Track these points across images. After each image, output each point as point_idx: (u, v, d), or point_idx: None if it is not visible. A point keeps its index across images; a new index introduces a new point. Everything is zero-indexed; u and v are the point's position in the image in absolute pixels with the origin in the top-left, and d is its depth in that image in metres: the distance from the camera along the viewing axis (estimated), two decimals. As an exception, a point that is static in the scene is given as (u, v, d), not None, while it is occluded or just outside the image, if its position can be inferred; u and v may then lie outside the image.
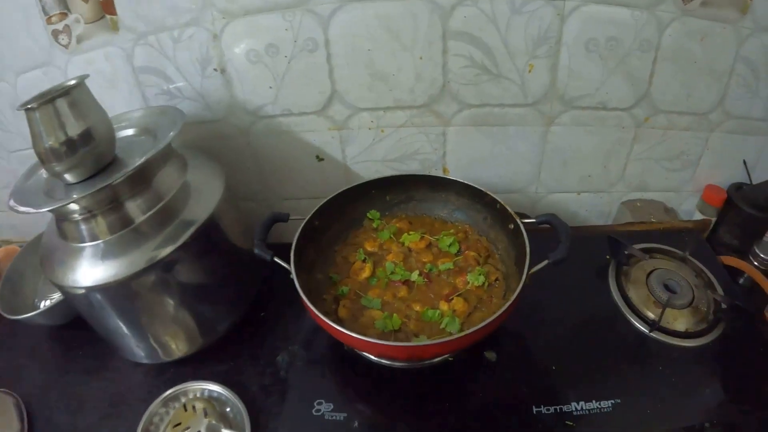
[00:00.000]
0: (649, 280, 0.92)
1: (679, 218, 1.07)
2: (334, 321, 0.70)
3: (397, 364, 0.82)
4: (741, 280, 1.02)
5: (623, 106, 0.95)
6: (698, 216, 1.06)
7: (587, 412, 0.76)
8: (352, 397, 0.80)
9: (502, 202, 0.84)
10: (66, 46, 0.91)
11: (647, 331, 0.86)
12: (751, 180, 1.04)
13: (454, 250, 0.86)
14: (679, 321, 0.87)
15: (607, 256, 0.96)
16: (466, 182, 0.88)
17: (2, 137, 1.06)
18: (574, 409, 0.76)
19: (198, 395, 0.83)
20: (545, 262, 0.75)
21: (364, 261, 0.86)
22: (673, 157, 1.01)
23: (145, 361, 0.87)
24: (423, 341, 0.73)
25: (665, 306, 0.86)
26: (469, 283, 0.81)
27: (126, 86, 0.94)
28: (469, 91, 0.92)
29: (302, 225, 0.82)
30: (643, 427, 0.75)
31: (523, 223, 0.81)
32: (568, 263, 0.93)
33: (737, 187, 1.06)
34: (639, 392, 0.78)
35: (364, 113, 0.95)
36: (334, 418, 0.77)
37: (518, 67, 0.89)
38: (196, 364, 0.88)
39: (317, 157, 1.01)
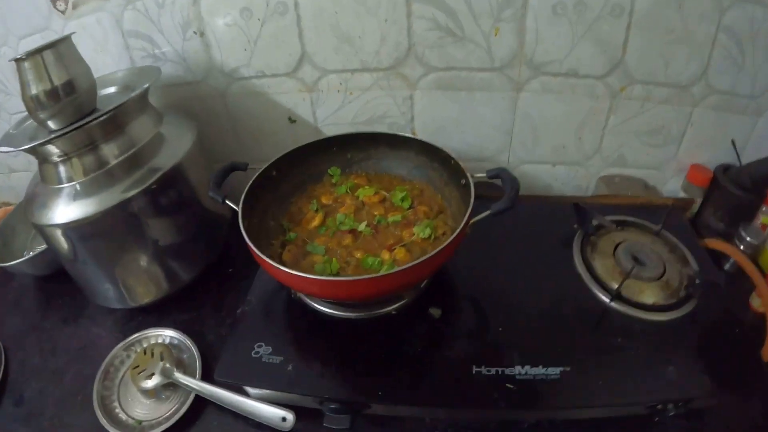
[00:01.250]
0: (616, 251, 0.84)
1: (661, 196, 0.99)
2: (273, 261, 0.67)
3: (340, 313, 0.77)
4: (726, 266, 0.92)
5: (595, 74, 0.88)
6: (682, 196, 0.98)
7: (531, 377, 0.69)
8: (291, 341, 0.76)
9: (456, 159, 0.80)
10: (63, 12, 0.93)
11: (607, 300, 0.78)
12: (740, 161, 0.95)
13: (406, 204, 0.81)
14: (646, 294, 0.79)
15: (575, 226, 0.89)
16: (424, 140, 0.84)
17: (4, 100, 1.09)
18: (517, 372, 0.69)
19: (159, 341, 0.84)
20: (487, 212, 0.70)
21: (316, 211, 0.83)
22: (653, 131, 0.94)
23: (115, 305, 0.89)
24: (348, 277, 0.69)
25: (627, 275, 0.79)
26: (414, 234, 0.77)
27: (116, 50, 0.96)
28: (434, 54, 0.88)
29: (258, 173, 0.81)
30: (592, 399, 0.67)
31: (474, 177, 0.76)
32: (534, 231, 0.88)
33: (725, 168, 0.96)
34: (592, 362, 0.70)
35: (332, 75, 0.92)
36: (270, 360, 0.73)
37: (483, 30, 0.85)
38: (161, 313, 0.90)
39: (289, 118, 0.99)
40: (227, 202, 0.76)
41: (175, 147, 0.85)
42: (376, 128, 0.96)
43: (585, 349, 0.73)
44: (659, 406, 0.68)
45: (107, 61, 0.95)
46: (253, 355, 0.74)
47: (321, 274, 0.71)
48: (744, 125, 0.92)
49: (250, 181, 0.79)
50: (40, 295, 1.01)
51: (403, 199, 0.80)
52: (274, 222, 0.82)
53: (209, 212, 0.92)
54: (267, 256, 0.67)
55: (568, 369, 0.70)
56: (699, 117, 0.92)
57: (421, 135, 0.95)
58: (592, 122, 0.93)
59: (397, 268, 0.62)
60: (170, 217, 0.85)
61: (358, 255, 0.74)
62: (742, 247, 0.91)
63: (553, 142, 0.95)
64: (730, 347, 0.73)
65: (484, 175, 0.76)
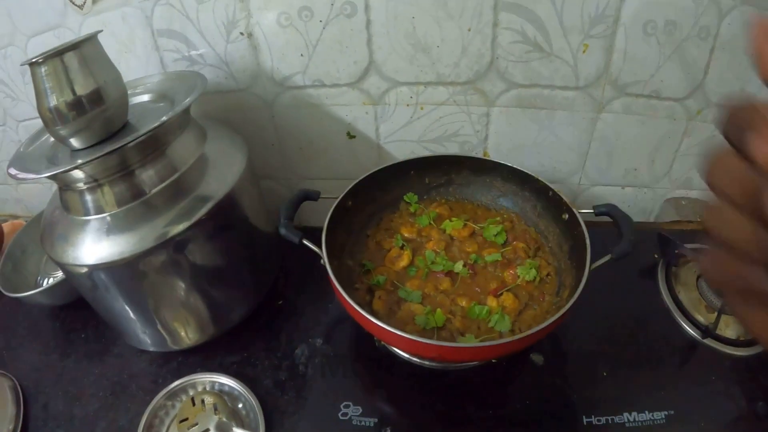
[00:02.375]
0: (699, 282, 0.80)
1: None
2: (368, 314, 0.56)
3: (432, 364, 0.68)
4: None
5: (677, 96, 0.81)
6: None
7: (640, 424, 0.63)
8: (384, 399, 0.65)
9: (556, 189, 0.71)
10: (80, 7, 0.76)
11: (700, 338, 0.73)
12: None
13: (501, 240, 0.72)
14: (730, 328, 0.75)
15: (655, 255, 0.84)
16: (513, 166, 0.75)
17: (10, 105, 0.89)
18: (626, 420, 0.64)
19: (207, 388, 0.70)
20: (608, 257, 0.62)
21: (401, 248, 0.71)
22: (720, 153, 0.90)
23: (151, 348, 0.74)
24: (473, 342, 0.59)
25: (720, 311, 0.74)
26: (519, 276, 0.67)
27: (144, 51, 0.78)
28: (517, 70, 0.77)
29: (335, 204, 0.68)
30: None
31: (579, 213, 0.68)
32: (616, 262, 0.81)
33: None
34: (692, 404, 0.65)
35: (403, 87, 0.79)
36: (363, 423, 0.62)
37: (572, 46, 0.75)
38: (206, 354, 0.74)
39: (348, 134, 0.85)
40: (306, 242, 0.63)
41: (225, 170, 0.68)
42: (446, 148, 0.84)
43: (684, 389, 0.68)
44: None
45: (133, 63, 0.78)
46: (341, 417, 0.63)
47: (424, 327, 0.61)
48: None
49: (329, 215, 0.66)
50: (58, 326, 0.84)
51: (497, 234, 0.71)
52: (353, 261, 0.70)
53: (261, 240, 0.77)
54: (356, 304, 0.56)
55: (672, 413, 0.65)
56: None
57: (494, 155, 0.85)
58: (667, 145, 0.86)
59: (530, 331, 0.53)
60: (219, 250, 0.69)
61: (463, 303, 0.64)
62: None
63: (627, 164, 0.88)
64: None
65: (591, 211, 0.67)
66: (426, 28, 0.74)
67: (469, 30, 0.74)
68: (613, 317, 0.75)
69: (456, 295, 0.65)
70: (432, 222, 0.73)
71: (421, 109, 0.81)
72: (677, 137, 0.85)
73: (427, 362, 0.67)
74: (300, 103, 0.81)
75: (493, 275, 0.67)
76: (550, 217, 0.71)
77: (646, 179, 0.89)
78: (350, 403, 0.64)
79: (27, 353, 0.80)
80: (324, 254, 0.60)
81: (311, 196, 0.68)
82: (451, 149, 0.84)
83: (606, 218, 0.68)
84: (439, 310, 0.62)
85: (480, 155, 0.79)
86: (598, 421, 0.63)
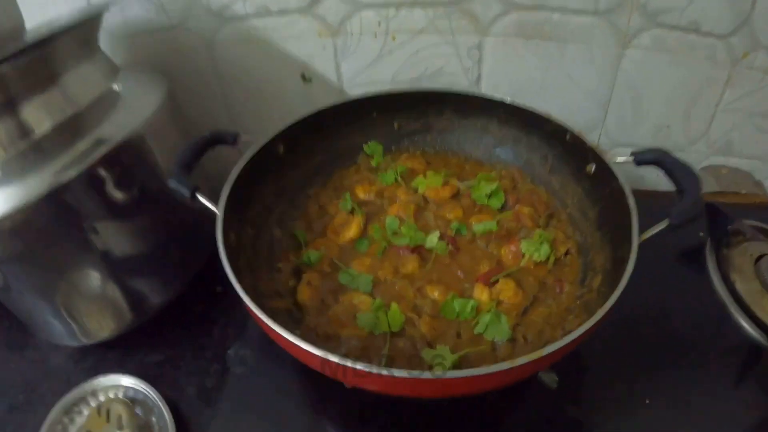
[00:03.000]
0: (758, 268, 0.48)
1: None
2: (286, 309, 0.25)
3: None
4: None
5: (719, 31, 0.55)
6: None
7: None
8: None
9: (577, 132, 0.38)
10: None
11: (765, 342, 0.42)
12: None
13: (497, 203, 0.42)
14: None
15: (701, 233, 0.50)
16: (514, 103, 0.43)
17: None
18: None
19: (120, 395, 0.48)
20: (664, 222, 0.32)
21: (351, 212, 0.40)
22: (769, 112, 0.57)
23: (63, 342, 0.53)
24: (444, 373, 0.28)
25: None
26: (523, 255, 0.35)
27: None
28: (515, -13, 0.47)
29: (256, 149, 0.37)
30: None
31: (614, 161, 0.35)
32: (652, 242, 0.47)
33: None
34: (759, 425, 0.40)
35: (368, 11, 0.54)
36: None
37: (592, -48, 0.45)
38: (125, 351, 0.53)
39: (302, 75, 0.59)
40: (198, 196, 0.32)
41: (134, 110, 0.47)
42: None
43: (752, 409, 0.40)
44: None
45: (59, 2, 0.53)
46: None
47: (371, 332, 0.30)
48: None
49: (242, 162, 0.35)
50: None
51: (491, 195, 0.39)
52: (282, 230, 0.40)
53: (188, 208, 0.48)
54: (270, 296, 0.29)
55: None
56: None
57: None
58: (706, 96, 0.60)
59: (549, 348, 0.24)
60: (129, 214, 0.48)
61: (436, 294, 0.32)
62: None
63: (658, 120, 0.61)
64: None
65: (630, 158, 0.35)
66: None
67: None
68: (653, 318, 0.47)
69: (426, 282, 0.34)
70: (399, 179, 0.42)
71: (393, 39, 0.56)
72: (719, 86, 0.61)
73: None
74: (243, 38, 0.58)
75: (485, 253, 0.38)
76: (567, 172, 0.41)
77: (680, 140, 0.62)
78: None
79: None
80: (219, 213, 0.28)
81: (224, 138, 0.39)
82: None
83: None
84: (395, 305, 0.33)
85: (494, 95, 0.47)
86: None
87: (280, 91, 0.61)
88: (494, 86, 0.57)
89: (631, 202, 0.37)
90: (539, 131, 0.45)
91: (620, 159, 0.41)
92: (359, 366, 0.27)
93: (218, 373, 0.49)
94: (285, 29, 0.56)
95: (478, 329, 0.35)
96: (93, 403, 0.49)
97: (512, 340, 0.36)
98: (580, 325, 0.29)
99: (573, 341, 0.29)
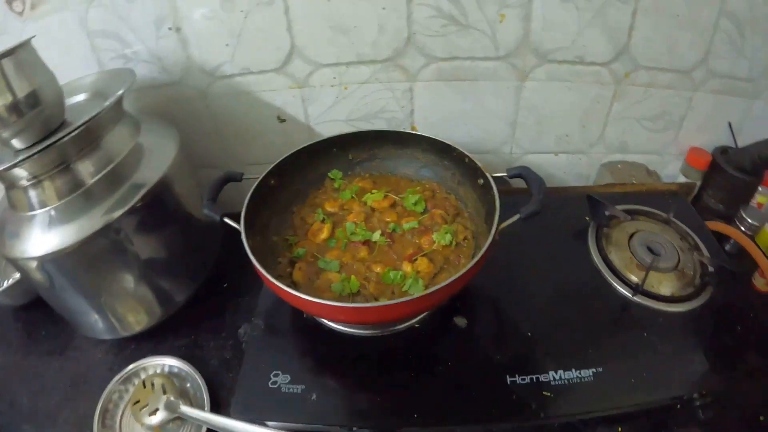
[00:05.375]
0: (631, 242, 0.82)
1: (662, 181, 0.97)
2: (287, 285, 0.59)
3: (359, 332, 0.71)
4: (727, 247, 0.92)
5: (602, 60, 0.85)
6: (682, 180, 0.96)
7: (566, 381, 0.66)
8: (311, 368, 0.69)
9: (471, 156, 0.74)
10: (20, 13, 0.81)
11: (630, 295, 0.75)
12: (736, 143, 0.94)
13: (420, 208, 0.75)
14: (664, 285, 0.77)
15: (587, 218, 0.86)
16: (432, 137, 0.78)
17: None
18: (552, 378, 0.66)
19: (158, 371, 0.76)
20: (516, 216, 0.65)
21: (322, 221, 0.75)
22: (655, 116, 0.91)
23: (105, 336, 0.80)
24: (378, 302, 0.62)
25: (649, 268, 0.76)
26: (434, 242, 0.70)
27: (82, 52, 0.84)
28: (436, 44, 0.81)
29: (256, 183, 0.72)
30: (627, 398, 0.65)
31: (493, 177, 0.70)
32: (545, 225, 0.82)
33: (722, 150, 0.95)
34: (622, 360, 0.68)
35: (326, 69, 0.84)
36: (291, 390, 0.66)
37: (488, 16, 0.79)
38: (157, 339, 0.81)
39: (279, 118, 0.90)
40: (226, 220, 0.66)
41: (158, 158, 0.75)
42: (373, 124, 0.89)
43: (613, 347, 0.70)
44: (685, 397, 0.66)
45: (72, 64, 0.83)
46: (271, 386, 0.67)
47: (340, 294, 0.64)
48: (741, 108, 0.92)
49: (249, 194, 0.70)
50: (19, 326, 0.89)
51: (416, 203, 0.74)
52: (278, 237, 0.74)
53: (199, 225, 0.83)
54: (276, 278, 0.60)
55: (600, 370, 0.67)
56: (699, 101, 0.90)
57: (422, 129, 0.89)
58: (597, 110, 0.90)
59: (433, 288, 0.56)
60: (158, 235, 0.76)
61: (378, 269, 0.67)
62: (743, 228, 0.90)
63: (558, 131, 0.91)
64: (746, 332, 0.73)
65: (504, 174, 0.70)
66: (342, 11, 0.79)
67: (384, 9, 0.77)
68: (542, 280, 0.78)
69: (372, 262, 0.68)
70: (354, 196, 0.77)
71: (345, 89, 0.86)
72: (607, 101, 0.89)
73: (351, 330, 0.70)
74: (231, 91, 0.87)
75: (410, 242, 0.71)
76: (468, 183, 0.74)
77: (579, 145, 0.92)
78: (279, 372, 0.68)
79: (-9, 354, 0.85)
80: (242, 230, 0.63)
81: (234, 177, 0.72)
82: (379, 125, 0.88)
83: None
84: (353, 276, 0.66)
85: (408, 129, 0.82)
86: (523, 380, 0.66)
87: (261, 129, 0.92)
88: (425, 117, 0.88)
89: (497, 202, 0.70)
90: (449, 156, 0.76)
91: (497, 174, 0.74)
92: (333, 303, 0.58)
93: (233, 347, 0.78)
94: (263, 84, 0.86)
95: (404, 288, 0.64)
96: (137, 381, 0.74)
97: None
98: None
99: (448, 285, 0.57)
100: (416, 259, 0.69)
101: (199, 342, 0.81)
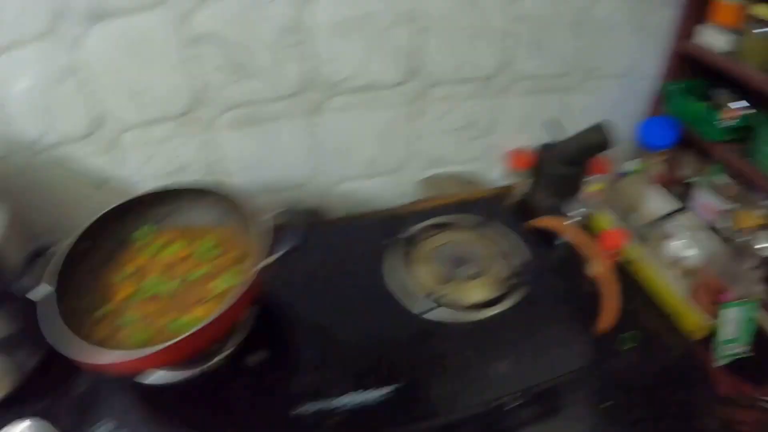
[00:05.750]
0: (435, 255, 0.88)
1: (485, 187, 1.02)
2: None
3: (152, 382, 0.76)
4: (558, 241, 0.97)
5: (393, 82, 0.90)
6: (510, 183, 1.02)
7: (361, 401, 0.71)
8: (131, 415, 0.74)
9: (234, 200, 0.80)
10: None
11: (431, 309, 0.81)
12: (558, 138, 0.99)
13: (216, 253, 0.82)
14: (473, 292, 0.82)
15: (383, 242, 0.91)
16: (212, 189, 0.83)
17: None
18: (344, 402, 0.71)
19: None
20: (274, 255, 0.71)
21: (125, 280, 0.83)
22: (466, 126, 0.97)
23: None
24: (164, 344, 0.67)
25: (450, 279, 0.82)
26: (217, 287, 0.78)
27: None
28: (228, 92, 0.87)
29: (62, 252, 0.79)
30: (434, 409, 0.71)
31: (262, 220, 0.77)
32: (349, 253, 0.90)
33: (545, 146, 1.01)
34: (426, 374, 0.74)
35: (128, 134, 0.90)
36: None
37: (274, 59, 0.85)
38: (20, 405, 0.79)
39: (95, 185, 0.95)
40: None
41: None
42: (188, 176, 0.95)
43: (416, 362, 0.76)
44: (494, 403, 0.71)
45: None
46: None
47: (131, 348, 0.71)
48: (559, 103, 0.96)
49: (59, 260, 0.75)
50: None
51: (212, 248, 0.81)
52: (88, 298, 0.81)
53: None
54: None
55: (401, 385, 0.72)
56: (509, 104, 0.95)
57: (236, 173, 0.95)
58: (400, 128, 0.95)
59: (162, 345, 0.63)
60: None
61: (172, 316, 0.74)
62: (575, 219, 0.94)
63: (363, 156, 0.97)
64: (568, 324, 0.79)
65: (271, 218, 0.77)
66: (135, 76, 0.85)
67: (173, 68, 0.84)
68: (340, 309, 0.84)
69: (167, 312, 0.75)
70: (157, 252, 0.83)
71: (153, 147, 0.91)
72: (408, 119, 0.94)
73: (149, 381, 0.76)
74: (51, 162, 0.91)
75: (201, 288, 0.78)
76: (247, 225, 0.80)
77: (390, 166, 0.97)
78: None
79: None
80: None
81: (40, 252, 0.79)
82: (192, 177, 0.94)
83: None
84: (146, 327, 0.73)
85: (222, 177, 0.88)
86: (309, 409, 0.71)
87: (82, 196, 0.95)
88: (232, 164, 0.94)
89: (261, 247, 0.77)
90: (229, 202, 0.81)
91: (266, 218, 0.78)
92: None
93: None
94: (77, 152, 0.90)
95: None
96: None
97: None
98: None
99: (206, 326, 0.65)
100: (199, 306, 0.75)
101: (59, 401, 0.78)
